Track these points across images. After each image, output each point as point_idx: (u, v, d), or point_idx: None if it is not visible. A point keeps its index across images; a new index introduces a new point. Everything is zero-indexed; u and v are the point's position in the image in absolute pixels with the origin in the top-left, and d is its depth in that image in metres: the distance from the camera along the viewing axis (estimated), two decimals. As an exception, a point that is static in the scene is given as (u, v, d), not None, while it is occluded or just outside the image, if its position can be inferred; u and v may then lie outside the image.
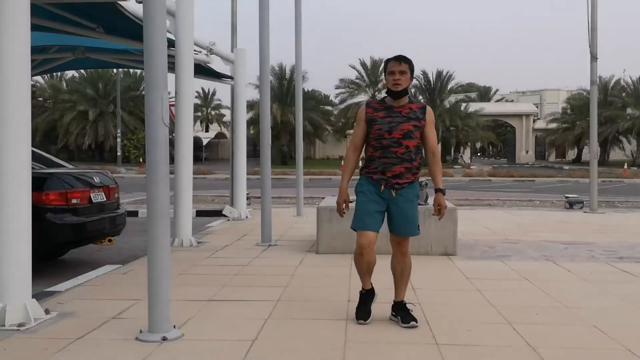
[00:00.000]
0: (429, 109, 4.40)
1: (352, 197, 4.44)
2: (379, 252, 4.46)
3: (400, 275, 4.45)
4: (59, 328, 4.29)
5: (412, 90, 44.23)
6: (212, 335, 4.14)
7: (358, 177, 4.47)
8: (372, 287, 4.47)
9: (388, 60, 4.31)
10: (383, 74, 4.38)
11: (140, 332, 4.08)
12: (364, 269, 4.39)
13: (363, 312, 4.37)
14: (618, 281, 5.99)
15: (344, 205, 4.35)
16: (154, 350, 3.82)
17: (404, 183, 4.27)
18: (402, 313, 4.37)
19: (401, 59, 4.26)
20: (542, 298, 5.24)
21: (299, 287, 5.63)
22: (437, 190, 4.35)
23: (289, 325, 4.39)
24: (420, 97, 44.13)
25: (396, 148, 4.22)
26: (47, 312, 4.53)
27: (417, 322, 4.30)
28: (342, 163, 4.63)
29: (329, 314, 4.58)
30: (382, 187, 4.27)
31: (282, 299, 5.14)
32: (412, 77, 4.33)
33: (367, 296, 4.45)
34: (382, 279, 4.73)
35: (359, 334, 4.16)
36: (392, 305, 4.48)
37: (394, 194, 4.27)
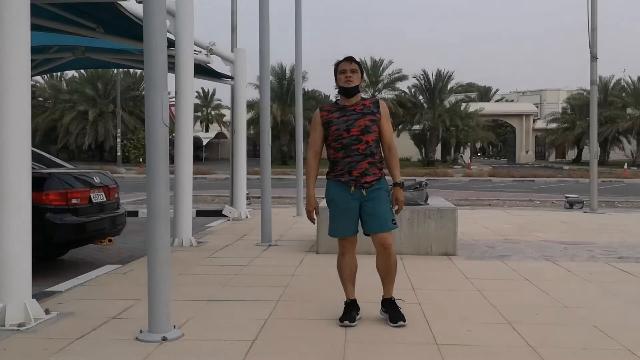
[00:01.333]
0: (382, 102, 4.48)
1: (323, 201, 4.48)
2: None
3: (386, 273, 4.45)
4: (59, 328, 4.29)
5: (412, 90, 44.28)
6: (212, 335, 4.14)
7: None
8: (356, 300, 4.48)
9: (338, 62, 4.41)
10: (334, 76, 4.43)
11: (140, 332, 4.08)
12: (347, 272, 4.47)
13: (348, 317, 4.36)
14: (618, 281, 5.99)
15: (314, 212, 4.41)
16: (154, 350, 3.82)
17: (372, 181, 4.30)
18: (390, 311, 4.38)
19: (351, 59, 4.39)
20: (542, 298, 5.24)
21: (299, 287, 5.63)
22: (395, 184, 4.38)
23: (289, 325, 4.39)
24: (420, 97, 44.10)
25: (357, 145, 4.28)
26: (47, 312, 4.53)
27: (405, 321, 4.30)
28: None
29: (329, 314, 4.58)
30: (352, 188, 4.30)
31: (282, 299, 5.15)
32: (362, 77, 4.42)
33: (351, 306, 4.45)
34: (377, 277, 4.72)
35: (358, 334, 4.16)
36: (382, 301, 4.49)
37: (364, 193, 4.30)
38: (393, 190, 4.36)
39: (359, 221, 4.39)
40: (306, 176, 4.52)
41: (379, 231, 4.35)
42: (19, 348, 3.88)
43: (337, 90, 4.47)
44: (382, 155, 4.40)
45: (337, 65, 4.42)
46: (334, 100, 4.60)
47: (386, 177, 4.43)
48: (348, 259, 4.45)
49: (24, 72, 4.36)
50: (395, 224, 4.39)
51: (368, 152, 4.29)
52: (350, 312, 4.40)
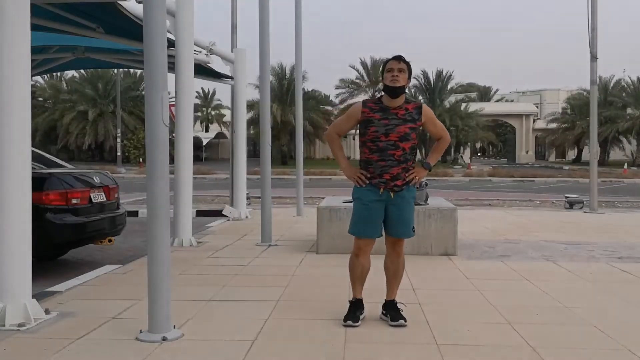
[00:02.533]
0: (425, 107, 4.41)
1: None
2: (373, 253, 4.49)
3: (393, 274, 4.47)
4: (59, 328, 4.29)
5: (412, 90, 44.28)
6: (212, 335, 4.14)
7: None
8: (362, 300, 4.47)
9: (387, 60, 4.34)
10: (381, 75, 4.40)
11: (140, 332, 4.08)
12: (358, 272, 4.43)
13: (352, 317, 4.35)
14: (618, 281, 5.99)
15: (360, 174, 4.33)
16: (154, 350, 3.82)
17: (402, 185, 4.29)
18: (391, 312, 4.38)
19: (400, 59, 4.29)
20: (542, 298, 5.24)
21: (299, 287, 5.63)
22: (423, 164, 4.43)
23: (289, 325, 4.39)
24: (420, 97, 44.15)
25: (393, 151, 4.24)
26: (47, 312, 4.53)
27: (405, 321, 4.30)
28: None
29: (329, 314, 4.58)
30: (381, 190, 4.28)
31: (282, 299, 5.14)
32: (409, 78, 4.34)
33: (356, 305, 4.43)
34: (381, 279, 4.72)
35: (359, 334, 4.16)
36: (383, 304, 4.49)
37: (392, 196, 4.29)
38: (418, 166, 4.38)
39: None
40: (333, 149, 4.51)
41: (398, 236, 4.38)
42: (19, 348, 3.88)
43: (383, 88, 4.37)
44: (414, 160, 4.38)
45: (385, 63, 4.35)
46: (376, 96, 4.55)
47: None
48: (362, 259, 4.41)
49: (24, 72, 4.36)
50: (414, 231, 4.43)
51: (402, 159, 4.26)
52: (355, 311, 4.38)
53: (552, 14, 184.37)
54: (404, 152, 4.25)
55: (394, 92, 4.25)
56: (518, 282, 5.91)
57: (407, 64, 4.30)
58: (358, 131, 4.46)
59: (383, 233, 4.41)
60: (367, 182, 4.30)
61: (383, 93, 4.39)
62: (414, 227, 4.42)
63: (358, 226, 4.36)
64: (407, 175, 4.29)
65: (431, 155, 4.53)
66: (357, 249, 4.40)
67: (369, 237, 4.36)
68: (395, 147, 4.23)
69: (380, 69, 4.41)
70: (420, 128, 4.39)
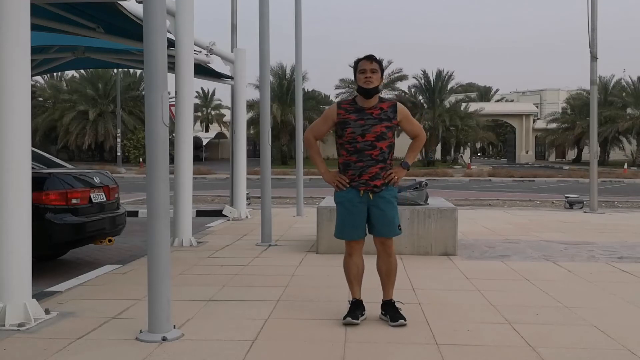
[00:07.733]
0: (400, 106, 4.42)
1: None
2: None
3: (387, 275, 4.47)
4: (59, 328, 4.29)
5: (412, 90, 44.27)
6: (212, 335, 4.14)
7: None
8: (361, 300, 4.47)
9: (359, 60, 4.33)
10: (354, 75, 4.39)
11: (140, 332, 4.08)
12: (353, 272, 4.45)
13: (352, 314, 4.35)
14: (618, 281, 5.99)
15: (339, 179, 4.34)
16: (154, 350, 3.82)
17: (381, 185, 4.29)
18: (391, 312, 4.39)
19: (372, 58, 4.30)
20: (542, 298, 5.24)
21: (299, 287, 5.63)
22: (401, 164, 4.41)
23: (289, 325, 4.39)
24: (420, 97, 44.10)
25: (370, 151, 4.26)
26: (47, 312, 4.54)
27: (405, 320, 4.31)
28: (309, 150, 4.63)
29: (329, 314, 4.58)
30: (361, 192, 4.30)
31: (282, 299, 5.15)
32: (382, 77, 4.34)
33: (356, 305, 4.44)
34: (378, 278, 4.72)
35: (359, 333, 4.16)
36: (381, 304, 4.50)
37: (371, 197, 4.30)
38: (396, 167, 4.36)
39: (367, 224, 4.38)
40: (312, 154, 4.50)
41: (383, 235, 4.38)
42: (19, 348, 3.88)
43: (357, 89, 4.39)
44: (392, 159, 4.39)
45: (357, 63, 4.33)
46: (349, 97, 4.53)
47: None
48: (355, 258, 4.45)
49: (24, 72, 4.36)
50: (400, 229, 4.42)
51: (380, 158, 4.28)
52: (355, 310, 4.39)
53: (552, 14, 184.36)
54: (381, 152, 4.27)
55: (368, 93, 4.27)
56: (518, 282, 5.91)
57: (379, 63, 4.32)
58: (335, 133, 4.45)
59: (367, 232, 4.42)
60: (347, 186, 4.32)
61: (357, 93, 4.39)
62: (399, 225, 4.42)
63: (342, 230, 4.41)
64: (385, 174, 4.30)
65: (408, 154, 4.51)
66: (349, 248, 4.46)
67: (354, 240, 4.40)
68: (372, 147, 4.25)
69: (353, 69, 4.39)
70: (397, 127, 4.39)
